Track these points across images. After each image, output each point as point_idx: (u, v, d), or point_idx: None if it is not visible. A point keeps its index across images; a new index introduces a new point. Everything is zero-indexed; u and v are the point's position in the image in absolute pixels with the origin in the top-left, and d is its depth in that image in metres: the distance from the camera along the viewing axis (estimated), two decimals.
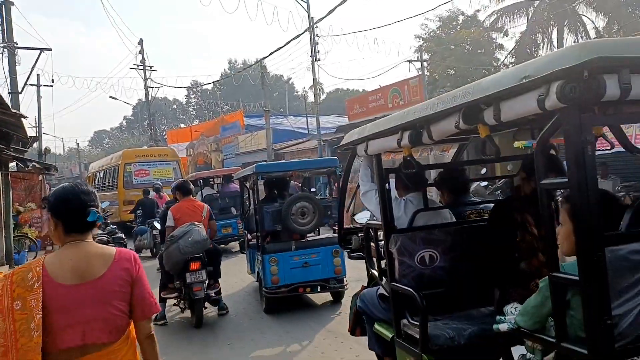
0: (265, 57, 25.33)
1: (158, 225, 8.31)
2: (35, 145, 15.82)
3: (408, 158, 2.81)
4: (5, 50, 14.95)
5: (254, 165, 7.04)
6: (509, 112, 1.88)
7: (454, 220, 3.42)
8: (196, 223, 6.10)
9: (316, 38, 18.77)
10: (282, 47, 19.42)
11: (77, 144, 58.55)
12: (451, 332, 2.69)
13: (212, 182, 12.69)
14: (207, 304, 6.64)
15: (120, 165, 16.39)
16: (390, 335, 3.14)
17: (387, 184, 3.12)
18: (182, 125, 53.04)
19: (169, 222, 6.37)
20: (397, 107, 18.25)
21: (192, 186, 7.15)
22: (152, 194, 12.39)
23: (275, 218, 6.70)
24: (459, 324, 2.78)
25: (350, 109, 22.27)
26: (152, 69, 37.71)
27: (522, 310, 2.09)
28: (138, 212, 12.09)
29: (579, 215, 1.72)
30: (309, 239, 6.83)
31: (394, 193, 3.44)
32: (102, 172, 19.09)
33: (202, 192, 11.85)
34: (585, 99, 1.59)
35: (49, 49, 16.71)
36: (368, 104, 20.66)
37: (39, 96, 24.44)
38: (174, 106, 69.65)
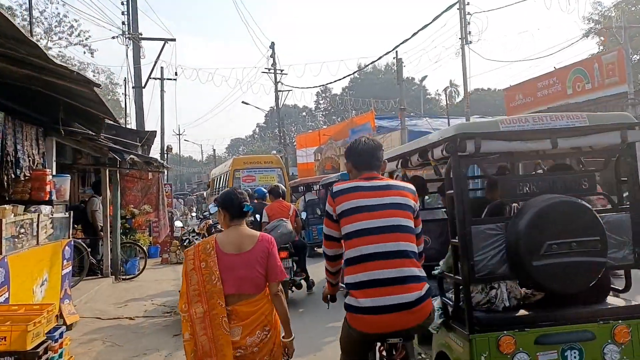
0: (404, 42, 22.04)
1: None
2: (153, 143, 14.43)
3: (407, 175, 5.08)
4: (131, 41, 13.76)
5: (339, 174, 8.84)
6: (437, 154, 3.62)
7: (445, 217, 5.05)
8: (284, 219, 7.41)
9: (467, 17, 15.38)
10: (426, 26, 16.06)
11: (214, 150, 60.48)
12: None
13: (313, 188, 14.19)
14: (293, 288, 8.16)
15: (230, 172, 17.73)
16: None
17: None
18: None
19: (264, 218, 7.85)
20: (582, 92, 14.13)
21: (282, 190, 8.41)
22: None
23: None
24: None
25: (511, 99, 18.15)
26: (283, 72, 37.11)
27: (443, 263, 3.74)
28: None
29: (458, 209, 3.33)
30: None
31: None
32: (218, 177, 20.85)
33: (304, 197, 12.93)
34: (457, 151, 3.29)
35: (173, 39, 15.53)
36: (536, 92, 16.59)
37: (162, 90, 24.05)
38: (303, 113, 69.65)
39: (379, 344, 3.06)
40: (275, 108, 39.30)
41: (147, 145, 14.59)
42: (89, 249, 10.79)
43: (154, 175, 13.16)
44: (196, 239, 8.15)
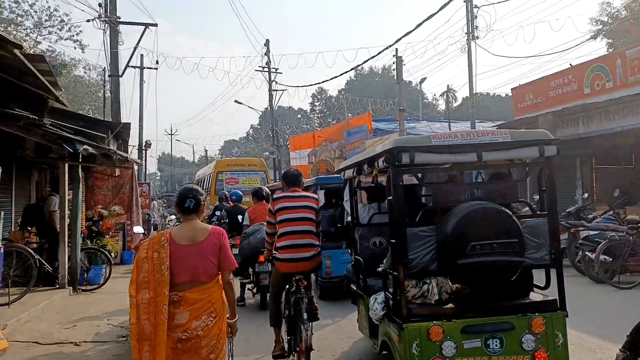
0: (407, 35, 20.69)
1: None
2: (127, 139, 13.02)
3: (370, 182, 6.01)
4: (107, 25, 12.39)
5: (314, 178, 10.18)
6: (380, 164, 4.04)
7: None
8: (264, 223, 6.38)
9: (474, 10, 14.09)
10: (432, 16, 14.41)
11: (206, 151, 59.12)
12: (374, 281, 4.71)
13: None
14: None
15: (213, 174, 17.57)
16: (355, 288, 5.36)
17: (356, 196, 5.48)
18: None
19: (246, 221, 8.05)
20: (601, 92, 12.84)
21: (265, 193, 8.36)
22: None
23: (330, 222, 8.38)
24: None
25: (520, 99, 16.71)
26: (277, 71, 35.88)
27: (385, 261, 4.22)
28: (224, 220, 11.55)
29: (395, 213, 3.80)
30: None
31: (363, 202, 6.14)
32: (202, 179, 20.63)
33: None
34: (393, 162, 3.69)
35: (155, 24, 14.21)
36: (549, 92, 15.19)
37: (141, 79, 22.69)
38: (299, 115, 68.49)
39: (293, 279, 4.98)
40: (269, 108, 38.17)
41: (123, 139, 13.22)
42: (45, 255, 9.44)
43: (127, 172, 11.81)
44: None
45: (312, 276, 7.14)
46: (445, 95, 53.69)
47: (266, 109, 48.43)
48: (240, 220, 8.61)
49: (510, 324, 3.64)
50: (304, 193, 5.38)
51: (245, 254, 7.57)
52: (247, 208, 8.81)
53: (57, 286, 9.00)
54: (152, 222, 14.11)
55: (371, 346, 4.96)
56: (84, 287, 9.45)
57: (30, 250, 7.93)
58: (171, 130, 62.25)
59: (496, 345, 3.61)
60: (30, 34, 31.22)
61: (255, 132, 67.90)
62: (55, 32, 32.33)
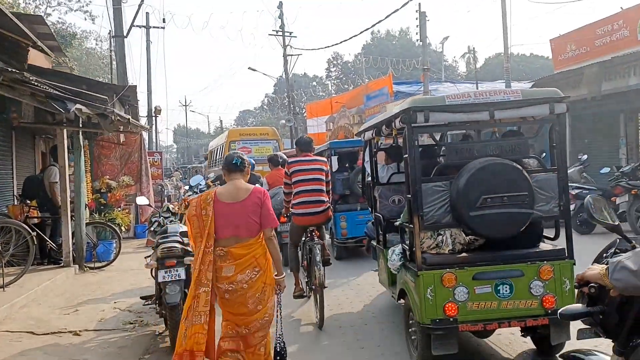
0: None
1: None
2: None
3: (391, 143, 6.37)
4: None
5: (328, 143, 10.06)
6: (398, 125, 4.21)
7: None
8: (282, 187, 6.70)
9: None
10: None
11: (221, 121, 58.18)
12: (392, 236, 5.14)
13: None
14: None
15: (226, 143, 17.40)
16: (375, 244, 5.72)
17: (375, 157, 5.82)
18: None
19: (265, 186, 7.70)
20: None
21: (281, 159, 8.37)
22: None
23: (345, 184, 9.06)
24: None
25: (560, 51, 15.15)
26: (292, 34, 34.45)
27: (402, 215, 4.47)
28: (216, 182, 11.66)
29: (411, 170, 3.96)
30: None
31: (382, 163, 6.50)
32: (215, 149, 20.48)
33: None
34: (409, 122, 3.91)
35: None
36: (594, 41, 13.68)
37: (148, 39, 21.61)
38: (314, 83, 66.97)
39: (307, 230, 5.82)
40: (283, 75, 36.87)
41: (130, 104, 12.24)
42: (48, 231, 8.64)
43: (134, 140, 10.88)
44: (171, 221, 5.86)
45: (328, 238, 8.23)
46: (466, 57, 51.66)
47: (281, 76, 47.11)
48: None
49: (519, 271, 3.88)
50: (314, 157, 6.13)
51: None
52: (259, 175, 8.88)
53: (62, 264, 8.22)
54: (165, 193, 13.29)
55: (390, 296, 5.47)
56: (92, 265, 8.66)
57: (24, 226, 7.06)
58: (185, 101, 61.18)
59: (506, 291, 3.86)
60: (40, 6, 30.23)
61: (271, 101, 66.70)
62: (65, 3, 31.32)
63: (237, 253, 3.54)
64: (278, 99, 46.98)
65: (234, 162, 3.76)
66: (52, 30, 26.67)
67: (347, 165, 9.51)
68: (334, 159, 9.35)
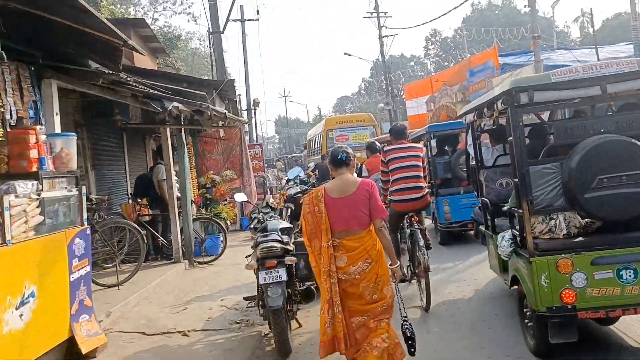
0: None
1: None
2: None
3: (493, 125, 5.63)
4: None
5: (427, 126, 9.83)
6: (500, 106, 4.14)
7: None
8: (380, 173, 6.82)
9: None
10: None
11: (319, 109, 58.61)
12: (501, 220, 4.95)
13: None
14: None
15: (323, 132, 17.47)
16: (483, 229, 5.58)
17: (479, 140, 5.72)
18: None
19: (364, 173, 8.23)
20: None
21: (378, 146, 8.31)
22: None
23: (446, 168, 8.99)
24: None
25: None
26: (387, 15, 33.46)
27: (510, 200, 4.36)
28: (315, 172, 11.98)
29: (517, 154, 3.83)
30: None
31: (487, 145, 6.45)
32: (313, 138, 20.50)
33: None
34: (512, 103, 3.79)
35: None
36: None
37: (243, 33, 21.77)
38: (412, 63, 65.05)
39: (406, 216, 5.84)
40: (380, 58, 36.03)
41: (229, 99, 12.36)
42: (160, 228, 8.90)
43: (235, 134, 10.94)
44: (270, 217, 5.62)
45: (431, 223, 8.81)
46: (579, 21, 47.14)
47: (377, 59, 46.16)
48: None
49: None
50: (410, 144, 6.27)
51: None
52: (358, 163, 9.28)
53: (173, 260, 8.42)
54: (267, 184, 13.37)
55: (501, 281, 5.39)
56: (201, 260, 8.80)
57: (135, 225, 7.25)
58: (284, 92, 62.47)
59: (630, 276, 3.64)
60: (147, 12, 32.19)
61: (368, 85, 65.93)
62: (169, 7, 33.06)
63: (349, 245, 3.64)
64: (375, 82, 46.25)
65: (339, 157, 3.81)
66: (160, 34, 28.18)
67: (447, 148, 9.32)
68: (434, 142, 9.33)
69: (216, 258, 9.02)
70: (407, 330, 3.74)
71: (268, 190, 13.07)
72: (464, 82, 26.04)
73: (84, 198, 4.87)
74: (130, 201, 9.01)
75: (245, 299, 5.32)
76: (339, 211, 3.65)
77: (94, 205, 7.11)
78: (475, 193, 5.88)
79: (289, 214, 7.39)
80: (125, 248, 7.40)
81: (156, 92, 5.91)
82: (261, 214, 5.57)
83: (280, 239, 4.66)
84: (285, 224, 5.40)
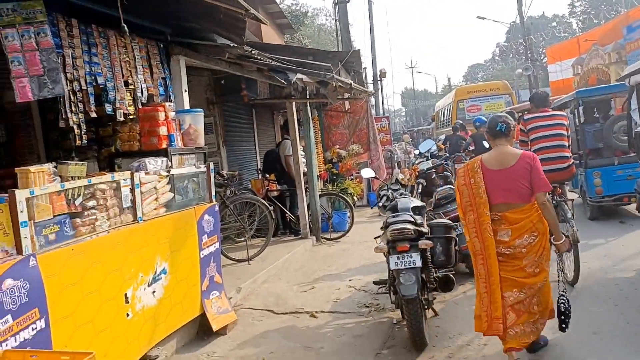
0: None
1: None
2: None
3: None
4: None
5: (574, 92, 8.67)
6: None
7: None
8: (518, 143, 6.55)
9: None
10: None
11: (449, 79, 56.09)
12: None
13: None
14: None
15: (453, 103, 16.83)
16: None
17: None
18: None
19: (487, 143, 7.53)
20: None
21: (516, 116, 8.69)
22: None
23: (597, 137, 8.24)
24: None
25: None
26: None
27: None
28: (446, 145, 12.16)
29: None
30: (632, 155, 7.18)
31: None
32: (442, 110, 19.81)
33: None
34: None
35: None
36: None
37: (369, 1, 20.85)
38: (554, 23, 59.22)
39: None
40: (517, 19, 33.06)
41: (355, 71, 11.98)
42: (288, 203, 8.90)
43: (361, 106, 10.56)
44: (400, 194, 5.17)
45: (578, 196, 8.46)
46: None
47: (514, 21, 42.51)
48: (487, 146, 8.39)
49: None
50: (553, 112, 5.88)
51: None
52: None
53: (301, 236, 8.38)
54: (394, 159, 12.86)
55: None
56: (328, 236, 8.66)
57: (263, 201, 7.25)
58: (411, 63, 60.64)
59: None
60: None
61: (503, 50, 61.42)
62: None
63: (512, 218, 3.53)
64: (513, 45, 42.66)
65: (497, 128, 3.65)
66: (287, 12, 28.58)
67: (597, 115, 8.75)
68: (581, 109, 8.64)
69: (343, 234, 8.81)
70: (562, 305, 3.69)
71: (396, 164, 12.58)
72: (619, 40, 22.93)
73: (212, 174, 4.84)
74: (260, 176, 9.13)
75: (375, 283, 4.96)
76: (498, 184, 3.54)
77: (225, 181, 7.25)
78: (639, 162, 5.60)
79: (419, 190, 6.89)
80: (255, 223, 7.48)
81: (279, 64, 5.71)
82: (390, 191, 5.14)
83: (412, 219, 4.20)
84: (417, 202, 4.92)
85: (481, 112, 16.55)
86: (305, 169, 8.55)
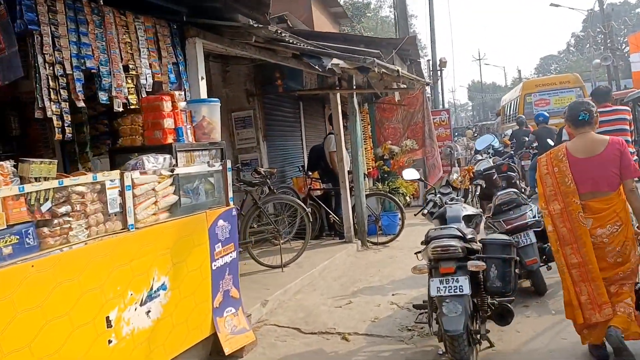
0: None
1: None
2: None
3: None
4: None
5: None
6: None
7: None
8: None
9: None
10: None
11: (519, 71, 53.29)
12: None
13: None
14: None
15: (520, 97, 16.34)
16: None
17: None
18: None
19: (564, 137, 6.90)
20: None
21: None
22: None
23: None
24: None
25: None
26: None
27: None
28: (512, 141, 11.74)
29: None
30: None
31: None
32: (508, 104, 19.13)
33: None
34: None
35: None
36: None
37: None
38: (638, 10, 54.88)
39: None
40: (596, 5, 30.51)
41: (411, 60, 11.06)
42: (333, 203, 8.21)
43: (416, 98, 9.65)
44: (451, 199, 4.35)
45: None
46: None
47: (592, 8, 39.40)
48: (551, 143, 8.20)
49: None
50: (615, 107, 5.89)
51: None
52: (554, 129, 8.37)
53: (344, 240, 7.66)
54: (454, 156, 11.85)
55: None
56: (375, 240, 7.88)
57: (299, 202, 6.58)
58: (479, 54, 58.05)
59: None
60: None
61: (579, 39, 57.43)
62: None
63: (595, 207, 3.45)
64: (592, 32, 39.50)
65: (580, 118, 3.53)
66: (349, 3, 27.69)
67: None
68: None
69: (393, 239, 8.01)
70: None
71: (455, 162, 11.56)
72: None
73: (229, 174, 4.22)
74: (303, 174, 8.49)
75: (415, 307, 4.15)
76: (586, 172, 3.46)
77: (262, 179, 6.66)
78: None
79: (477, 193, 5.98)
80: (295, 225, 6.86)
81: (311, 48, 5.00)
82: (439, 195, 4.33)
83: (461, 234, 3.39)
84: (471, 210, 4.09)
85: (550, 106, 15.68)
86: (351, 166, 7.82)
